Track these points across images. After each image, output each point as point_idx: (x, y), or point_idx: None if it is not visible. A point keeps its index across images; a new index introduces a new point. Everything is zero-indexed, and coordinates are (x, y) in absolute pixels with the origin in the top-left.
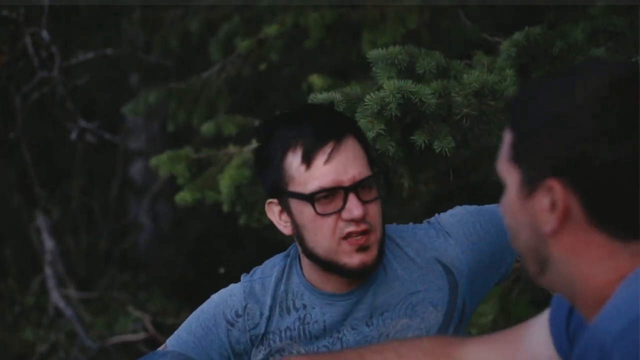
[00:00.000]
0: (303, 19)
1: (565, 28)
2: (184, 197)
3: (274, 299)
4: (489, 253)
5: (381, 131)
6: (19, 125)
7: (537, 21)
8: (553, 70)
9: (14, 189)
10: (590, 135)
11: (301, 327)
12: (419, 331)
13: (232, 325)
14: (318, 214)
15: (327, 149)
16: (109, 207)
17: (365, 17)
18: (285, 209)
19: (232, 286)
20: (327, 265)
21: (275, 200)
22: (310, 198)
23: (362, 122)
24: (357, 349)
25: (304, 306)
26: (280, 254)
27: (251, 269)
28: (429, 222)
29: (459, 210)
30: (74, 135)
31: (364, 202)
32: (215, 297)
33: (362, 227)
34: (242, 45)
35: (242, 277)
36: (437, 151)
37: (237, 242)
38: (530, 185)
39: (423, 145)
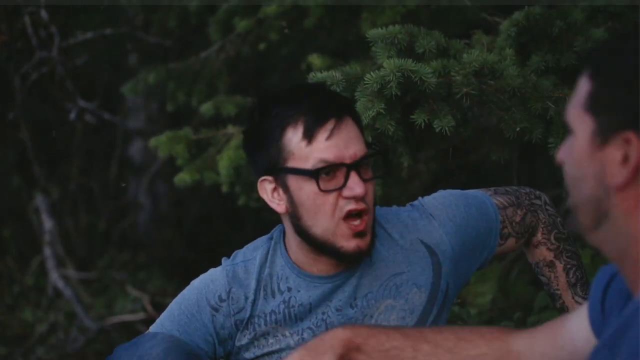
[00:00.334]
0: None
1: (564, 8)
2: (183, 178)
3: (258, 282)
4: (473, 235)
5: (381, 110)
6: (18, 105)
7: (537, 1)
8: (553, 49)
9: (13, 169)
10: None
11: (286, 310)
12: (403, 312)
13: (216, 310)
14: (321, 190)
15: (329, 125)
16: (108, 187)
17: None
18: (282, 185)
19: (212, 270)
20: (321, 246)
21: (269, 178)
22: (315, 174)
23: (362, 101)
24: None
25: (289, 289)
26: (262, 237)
27: None
28: (412, 204)
29: (442, 194)
30: (73, 115)
31: (364, 181)
32: (196, 282)
33: (361, 205)
34: (241, 25)
35: (223, 260)
36: (437, 130)
37: (236, 223)
38: (604, 136)
39: (423, 124)
